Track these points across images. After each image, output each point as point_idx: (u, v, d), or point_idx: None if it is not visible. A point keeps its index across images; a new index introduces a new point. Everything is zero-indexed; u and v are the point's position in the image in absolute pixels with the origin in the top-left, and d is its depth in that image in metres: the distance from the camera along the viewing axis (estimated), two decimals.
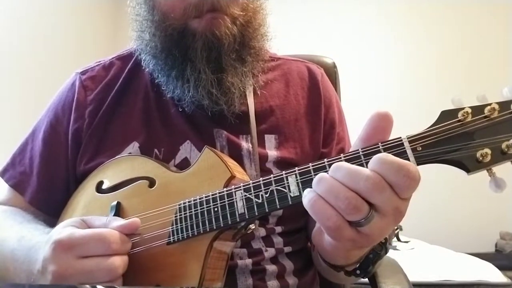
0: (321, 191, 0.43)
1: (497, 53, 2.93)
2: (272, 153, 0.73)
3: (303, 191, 0.48)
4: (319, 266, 0.72)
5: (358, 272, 0.56)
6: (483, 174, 0.44)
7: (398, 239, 2.49)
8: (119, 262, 0.52)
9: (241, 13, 0.69)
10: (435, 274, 1.93)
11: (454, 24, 3.03)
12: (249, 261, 0.68)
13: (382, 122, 0.45)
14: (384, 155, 0.42)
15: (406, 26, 3.13)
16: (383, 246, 0.55)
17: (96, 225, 0.56)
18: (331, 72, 1.00)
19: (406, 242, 2.50)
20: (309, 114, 0.79)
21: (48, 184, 0.75)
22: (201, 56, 0.67)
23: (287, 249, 0.73)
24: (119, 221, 0.56)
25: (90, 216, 0.59)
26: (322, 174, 0.44)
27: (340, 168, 0.43)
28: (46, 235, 0.57)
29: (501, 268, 2.05)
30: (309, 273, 0.77)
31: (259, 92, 0.77)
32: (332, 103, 0.83)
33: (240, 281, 0.67)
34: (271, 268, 0.70)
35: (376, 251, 0.55)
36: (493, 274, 1.96)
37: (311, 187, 0.47)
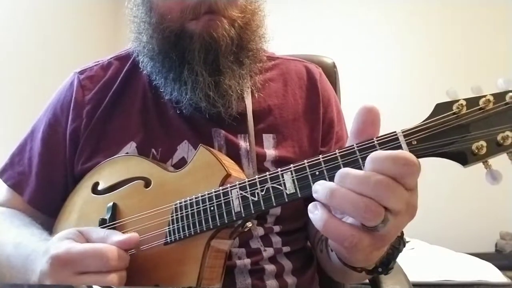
0: (337, 203, 0.41)
1: (497, 53, 2.93)
2: (270, 152, 0.73)
3: (299, 188, 0.48)
4: (330, 267, 0.71)
5: (380, 270, 0.55)
6: (482, 174, 0.44)
7: None
8: (116, 279, 0.51)
9: (240, 15, 0.69)
10: (435, 274, 1.93)
11: (454, 24, 3.03)
12: (247, 261, 0.68)
13: (370, 115, 0.45)
14: (375, 153, 0.41)
15: (406, 26, 3.12)
16: (401, 240, 0.55)
17: (94, 238, 0.56)
18: (331, 72, 1.00)
19: (406, 242, 2.50)
20: (307, 114, 0.79)
21: (47, 184, 0.75)
22: (199, 58, 0.66)
23: (286, 249, 0.73)
24: (118, 236, 0.55)
25: (87, 227, 0.59)
26: (330, 186, 0.42)
27: (348, 175, 0.42)
28: (43, 243, 0.57)
29: (501, 268, 2.05)
30: (308, 272, 0.77)
31: (256, 95, 0.77)
32: (331, 102, 0.83)
33: (239, 280, 0.67)
34: (270, 267, 0.69)
35: (395, 246, 0.54)
36: (493, 274, 1.96)
37: (307, 184, 0.47)
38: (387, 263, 0.55)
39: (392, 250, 0.54)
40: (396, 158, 0.40)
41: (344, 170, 0.42)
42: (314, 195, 0.43)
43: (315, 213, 0.43)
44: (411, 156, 0.40)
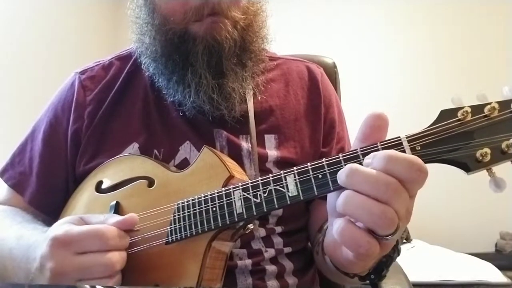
0: (352, 209, 0.41)
1: (497, 53, 2.93)
2: (272, 153, 0.73)
3: (301, 190, 0.48)
4: (325, 269, 0.72)
5: (372, 277, 0.55)
6: (482, 174, 0.44)
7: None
8: (116, 257, 0.51)
9: (242, 16, 0.69)
10: (435, 274, 1.93)
11: (454, 24, 3.02)
12: (248, 261, 0.68)
13: (378, 121, 0.45)
14: (391, 151, 0.41)
15: (406, 26, 3.12)
16: (396, 249, 0.54)
17: (94, 222, 0.56)
18: (331, 72, 1.00)
19: (409, 241, 2.51)
20: (309, 114, 0.79)
21: (48, 185, 0.75)
22: (202, 60, 0.66)
23: (287, 249, 0.73)
24: (117, 217, 0.56)
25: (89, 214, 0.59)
26: (346, 193, 0.41)
27: (356, 173, 0.41)
28: (45, 234, 0.57)
29: (501, 268, 2.05)
30: (309, 273, 0.77)
31: (259, 97, 0.77)
32: (332, 102, 0.83)
33: (240, 280, 0.67)
34: (271, 268, 0.70)
35: (389, 255, 0.54)
36: (493, 274, 1.96)
37: (310, 187, 0.47)
38: (380, 270, 0.55)
39: (386, 258, 0.54)
40: (413, 163, 0.40)
41: (352, 166, 0.42)
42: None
43: (334, 226, 0.43)
44: (424, 164, 0.40)
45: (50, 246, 0.52)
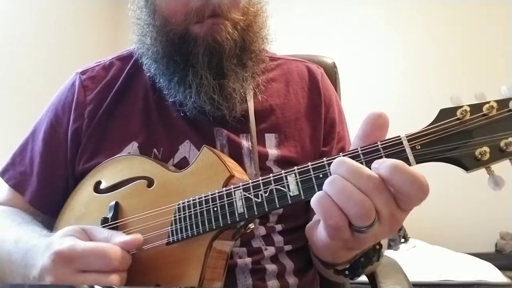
0: (333, 191, 0.42)
1: (497, 53, 2.93)
2: (272, 151, 0.73)
3: (302, 190, 0.48)
4: (316, 264, 0.72)
5: (347, 273, 0.56)
6: (482, 174, 0.44)
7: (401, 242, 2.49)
8: (117, 279, 0.51)
9: (242, 17, 0.69)
10: (435, 274, 1.94)
11: (454, 24, 3.03)
12: (248, 260, 0.68)
13: (379, 119, 0.46)
14: (401, 163, 0.42)
15: (406, 26, 3.13)
16: (377, 253, 0.55)
17: (98, 238, 0.56)
18: (331, 72, 1.00)
19: (406, 240, 2.51)
20: (309, 113, 0.79)
21: (48, 184, 0.75)
22: (203, 61, 0.67)
23: (287, 247, 0.73)
24: (122, 237, 0.55)
25: (90, 225, 0.59)
26: (334, 176, 0.43)
27: (343, 163, 0.43)
28: (44, 239, 0.57)
29: (501, 268, 2.05)
30: (310, 272, 0.77)
31: (260, 97, 0.77)
32: (332, 102, 0.83)
33: (240, 281, 0.67)
34: (271, 267, 0.69)
35: (368, 256, 0.55)
36: (493, 274, 1.97)
37: (311, 187, 0.47)
38: (356, 268, 0.56)
39: (364, 259, 0.55)
40: (416, 178, 0.41)
41: (341, 158, 0.44)
42: None
43: (314, 196, 0.44)
44: (427, 185, 0.41)
45: (52, 260, 0.51)
